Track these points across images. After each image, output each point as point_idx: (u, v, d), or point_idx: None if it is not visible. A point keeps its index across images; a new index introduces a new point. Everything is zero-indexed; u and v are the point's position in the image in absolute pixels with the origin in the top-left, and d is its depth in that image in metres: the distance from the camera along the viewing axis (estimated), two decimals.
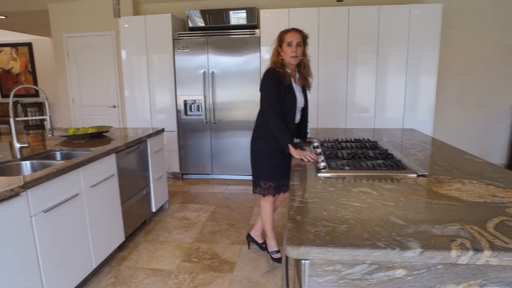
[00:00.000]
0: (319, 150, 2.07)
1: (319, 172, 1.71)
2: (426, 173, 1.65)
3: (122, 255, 2.74)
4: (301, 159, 1.99)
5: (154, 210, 3.32)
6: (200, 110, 4.41)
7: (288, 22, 3.97)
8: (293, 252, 1.01)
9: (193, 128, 4.45)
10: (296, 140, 2.45)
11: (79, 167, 2.17)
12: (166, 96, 4.44)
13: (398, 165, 1.74)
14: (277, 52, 2.26)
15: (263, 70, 2.37)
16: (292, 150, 2.09)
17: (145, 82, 4.44)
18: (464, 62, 4.34)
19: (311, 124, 4.11)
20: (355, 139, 2.40)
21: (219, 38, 4.22)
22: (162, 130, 3.45)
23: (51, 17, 4.87)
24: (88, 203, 2.28)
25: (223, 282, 2.34)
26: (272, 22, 4.03)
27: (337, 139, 2.43)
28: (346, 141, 2.35)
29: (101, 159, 2.43)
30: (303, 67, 2.32)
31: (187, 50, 4.27)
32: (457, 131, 4.44)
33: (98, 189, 2.40)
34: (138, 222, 3.08)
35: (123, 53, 4.42)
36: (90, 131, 3.03)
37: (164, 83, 4.40)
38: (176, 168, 4.60)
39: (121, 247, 2.84)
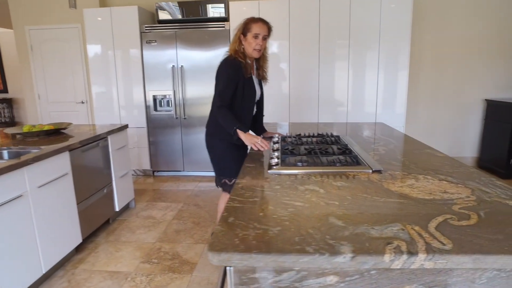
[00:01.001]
0: (276, 146, 1.98)
1: (270, 169, 1.61)
2: (381, 169, 1.57)
3: (80, 258, 2.60)
4: (252, 146, 1.93)
5: (117, 209, 3.19)
6: (170, 105, 4.28)
7: (258, 15, 3.85)
8: (213, 258, 0.91)
9: (163, 124, 4.31)
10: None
11: (22, 167, 2.02)
12: (134, 91, 4.28)
13: (353, 161, 1.66)
14: (239, 40, 2.12)
15: None
16: (241, 135, 1.99)
17: (112, 77, 4.27)
18: (436, 56, 4.32)
19: (282, 118, 4.02)
20: (318, 134, 2.32)
21: (187, 31, 4.08)
22: (126, 127, 3.31)
23: (11, 7, 4.63)
24: (35, 205, 2.13)
25: (181, 284, 2.24)
26: (242, 15, 3.90)
27: (299, 134, 2.34)
28: (308, 136, 2.27)
29: (51, 158, 2.28)
30: (262, 60, 2.21)
31: (155, 43, 4.12)
32: (430, 125, 4.42)
33: (48, 189, 2.25)
34: (99, 222, 2.94)
35: (89, 47, 4.23)
36: (46, 128, 2.86)
37: (133, 78, 4.24)
38: (147, 165, 4.46)
39: (79, 249, 2.70)
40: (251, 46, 2.08)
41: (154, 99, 4.29)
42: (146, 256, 2.60)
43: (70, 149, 2.48)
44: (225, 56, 2.15)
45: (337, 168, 1.58)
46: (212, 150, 2.27)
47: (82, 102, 4.82)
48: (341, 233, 0.98)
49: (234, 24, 3.86)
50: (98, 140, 2.88)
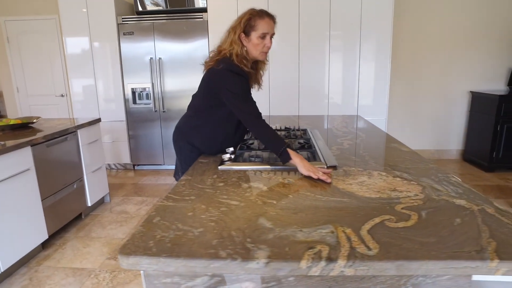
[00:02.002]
0: None
1: (220, 165, 1.54)
2: (336, 165, 1.49)
3: (46, 254, 2.54)
4: (312, 175, 1.35)
5: (89, 204, 3.12)
6: (149, 98, 4.18)
7: (236, 5, 3.74)
8: (123, 262, 0.85)
9: (142, 117, 4.22)
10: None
11: None
12: (113, 84, 4.18)
13: (310, 156, 1.58)
14: (240, 42, 1.60)
15: None
16: (296, 158, 1.41)
17: (90, 69, 4.16)
18: (420, 47, 4.21)
19: (262, 111, 3.94)
20: (286, 128, 2.24)
21: (165, 22, 3.97)
22: (98, 120, 3.22)
23: None
24: None
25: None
26: (220, 5, 3.80)
27: None
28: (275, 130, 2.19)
29: (11, 153, 2.20)
30: (262, 63, 1.80)
31: (133, 35, 4.01)
32: (414, 118, 4.34)
33: (8, 185, 2.17)
34: (69, 218, 2.87)
35: (66, 39, 4.12)
36: (12, 122, 2.78)
37: (111, 71, 4.14)
38: (127, 159, 4.38)
39: (46, 245, 2.64)
40: (257, 49, 1.62)
41: (133, 92, 4.19)
42: (113, 252, 2.54)
43: (33, 144, 2.40)
44: (226, 62, 1.60)
45: (291, 164, 1.50)
46: (180, 149, 1.87)
47: (62, 96, 4.72)
48: (265, 236, 0.91)
49: (212, 14, 3.77)
50: (66, 135, 2.80)
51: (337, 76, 3.81)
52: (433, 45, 4.18)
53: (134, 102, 4.22)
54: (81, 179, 3.00)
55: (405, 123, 4.35)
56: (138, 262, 0.84)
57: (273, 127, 2.25)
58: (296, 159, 1.40)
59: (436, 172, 1.38)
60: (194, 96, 1.83)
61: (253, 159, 1.56)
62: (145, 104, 4.21)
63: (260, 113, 1.62)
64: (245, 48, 1.63)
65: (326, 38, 3.77)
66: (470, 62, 4.13)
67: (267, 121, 1.61)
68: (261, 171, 1.46)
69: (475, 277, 0.81)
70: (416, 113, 4.32)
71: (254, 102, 1.71)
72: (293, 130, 2.15)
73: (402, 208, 1.05)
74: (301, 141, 1.83)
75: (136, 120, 4.24)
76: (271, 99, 3.92)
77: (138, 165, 4.45)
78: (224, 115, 1.69)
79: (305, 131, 2.14)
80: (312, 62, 3.81)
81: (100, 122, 3.31)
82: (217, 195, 1.21)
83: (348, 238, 0.88)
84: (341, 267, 0.79)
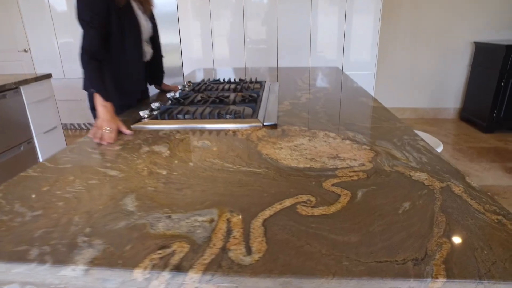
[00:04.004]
0: (171, 94, 1.56)
1: (135, 123, 1.22)
2: (276, 123, 1.16)
3: None
4: (91, 134, 1.14)
5: None
6: None
7: None
8: None
9: None
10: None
11: None
12: (75, 39, 3.76)
13: (248, 113, 1.25)
14: None
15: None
16: (99, 103, 1.21)
17: (49, 23, 3.73)
18: None
19: (238, 63, 3.54)
20: (240, 80, 1.88)
21: None
22: (48, 76, 2.86)
23: None
24: None
25: None
26: None
27: (218, 80, 1.91)
28: (224, 82, 1.84)
29: None
30: None
31: None
32: (408, 72, 3.90)
33: None
34: None
35: None
36: None
37: (72, 25, 3.70)
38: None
39: None
40: None
41: None
42: None
43: None
44: None
45: (219, 122, 1.18)
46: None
47: (25, 51, 4.31)
48: (114, 224, 0.61)
49: None
50: (4, 92, 2.46)
51: (319, 26, 3.35)
52: None
53: None
54: (30, 141, 2.71)
55: (397, 78, 3.93)
56: None
57: (224, 79, 1.89)
58: (99, 108, 1.21)
59: (401, 134, 1.05)
60: None
61: (181, 116, 1.23)
62: None
63: (98, 51, 1.34)
64: None
65: None
66: (474, 8, 3.61)
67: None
68: (178, 131, 1.14)
69: None
70: (411, 68, 3.88)
71: (126, 27, 1.41)
72: (246, 82, 1.79)
73: (332, 185, 0.73)
74: (244, 94, 1.49)
75: None
76: (247, 52, 3.50)
77: None
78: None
79: (261, 83, 1.78)
80: (292, 12, 3.33)
81: (64, 80, 2.95)
82: (100, 163, 0.90)
83: (228, 232, 0.58)
84: (194, 281, 0.49)
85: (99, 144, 1.05)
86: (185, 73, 2.78)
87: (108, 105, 1.22)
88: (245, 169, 0.82)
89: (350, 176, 0.77)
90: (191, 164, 0.87)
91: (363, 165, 0.83)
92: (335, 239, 0.55)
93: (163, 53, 1.82)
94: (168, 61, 3.80)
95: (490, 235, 0.55)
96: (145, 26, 1.55)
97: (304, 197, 0.68)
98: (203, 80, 1.92)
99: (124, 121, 1.29)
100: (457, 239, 0.54)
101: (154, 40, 1.67)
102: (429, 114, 4.03)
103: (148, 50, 1.61)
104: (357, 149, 0.93)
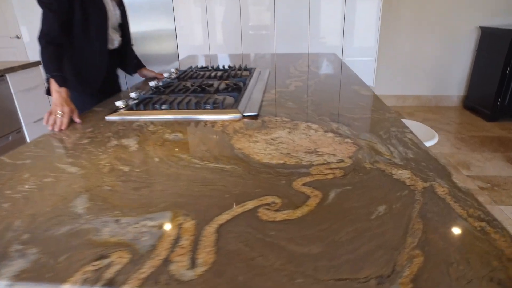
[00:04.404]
0: (154, 83, 1.48)
1: (110, 114, 1.16)
2: (256, 113, 1.09)
3: None
4: (44, 117, 1.10)
5: None
6: None
7: None
8: None
9: None
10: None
11: None
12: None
13: (229, 102, 1.18)
14: None
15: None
16: (53, 89, 1.17)
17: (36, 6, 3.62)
18: None
19: (235, 49, 3.44)
20: (229, 67, 1.80)
21: None
22: (37, 64, 2.79)
23: None
24: None
25: None
26: None
27: (206, 67, 1.83)
28: (211, 70, 1.76)
29: None
30: None
31: None
32: (411, 59, 3.78)
33: None
34: None
35: None
36: None
37: None
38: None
39: None
40: None
41: None
42: None
43: None
44: None
45: (197, 112, 1.11)
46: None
47: (18, 37, 4.24)
48: (56, 229, 0.56)
49: None
50: None
51: (320, 11, 3.23)
52: None
53: None
54: (19, 130, 2.66)
55: (399, 65, 3.81)
56: None
57: (212, 66, 1.81)
58: (53, 94, 1.17)
59: (389, 125, 0.98)
60: None
61: (157, 106, 1.16)
62: None
63: (58, 36, 1.28)
64: None
65: None
66: None
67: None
68: (152, 122, 1.08)
69: None
70: (413, 54, 3.75)
71: (91, 13, 1.35)
72: (234, 69, 1.71)
73: (304, 184, 0.66)
74: (228, 82, 1.41)
75: None
76: (244, 38, 3.39)
77: None
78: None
79: (250, 70, 1.70)
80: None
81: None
82: (62, 158, 0.84)
83: (176, 240, 0.52)
84: None
85: (61, 137, 0.99)
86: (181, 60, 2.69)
87: (63, 90, 1.18)
88: (212, 166, 0.76)
89: (325, 174, 0.70)
90: (156, 159, 0.81)
91: (342, 161, 0.76)
92: (293, 250, 0.48)
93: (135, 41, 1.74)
94: (163, 47, 3.72)
95: (470, 246, 0.48)
96: (112, 12, 1.48)
97: (269, 199, 0.62)
98: (191, 67, 1.85)
99: (99, 112, 1.23)
100: (431, 252, 0.47)
101: (123, 27, 1.59)
102: (432, 102, 3.92)
103: (116, 38, 1.54)
104: (338, 143, 0.86)
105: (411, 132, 0.93)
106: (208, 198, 0.63)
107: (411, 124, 1.50)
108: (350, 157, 0.77)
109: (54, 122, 1.07)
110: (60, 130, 1.06)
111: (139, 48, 3.66)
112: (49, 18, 1.27)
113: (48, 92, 1.22)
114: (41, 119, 2.85)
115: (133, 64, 1.73)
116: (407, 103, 3.97)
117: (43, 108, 2.90)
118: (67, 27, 1.34)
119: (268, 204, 0.60)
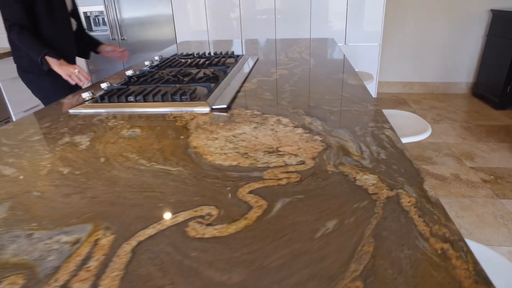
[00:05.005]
0: (130, 72, 1.41)
1: (74, 107, 1.09)
2: (225, 106, 1.01)
3: None
4: (68, 79, 1.39)
5: None
6: (106, 25, 3.61)
7: None
8: None
9: None
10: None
11: None
12: None
13: (201, 94, 1.10)
14: None
15: None
16: (53, 64, 1.37)
17: None
18: None
19: (232, 35, 3.32)
20: (215, 53, 1.71)
21: None
22: None
23: None
24: None
25: None
26: None
27: (191, 54, 1.74)
28: (195, 57, 1.67)
29: None
30: None
31: None
32: (419, 44, 3.60)
33: None
34: None
35: None
36: None
37: None
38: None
39: None
40: None
41: (87, 17, 3.62)
42: None
43: None
44: None
45: (164, 105, 1.03)
46: (36, 90, 1.61)
47: None
48: None
49: None
50: None
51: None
52: None
53: (90, 29, 3.67)
54: (7, 120, 2.63)
55: (405, 50, 3.64)
56: None
57: (198, 53, 1.72)
58: (55, 67, 1.38)
59: (368, 120, 0.88)
60: None
61: (124, 98, 1.09)
62: (102, 31, 3.65)
63: (27, 22, 1.35)
64: None
65: None
66: None
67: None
68: (116, 116, 1.00)
69: None
70: (420, 39, 3.57)
71: (25, 5, 1.35)
72: (218, 56, 1.62)
73: (250, 192, 0.58)
74: (206, 71, 1.32)
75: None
76: (243, 22, 3.27)
77: None
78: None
79: (236, 57, 1.61)
80: None
81: None
82: (4, 157, 0.78)
83: (84, 261, 0.44)
84: None
85: (13, 132, 0.93)
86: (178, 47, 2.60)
87: (61, 60, 1.37)
88: (158, 168, 0.68)
89: (279, 180, 0.62)
90: (102, 160, 0.73)
91: (303, 163, 0.67)
92: (211, 277, 0.41)
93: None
94: (161, 33, 3.62)
95: (423, 278, 0.40)
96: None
97: (206, 210, 0.54)
98: (176, 54, 1.76)
99: (65, 104, 1.16)
100: (374, 284, 0.39)
101: (74, 12, 1.64)
102: (439, 89, 3.75)
103: (73, 21, 1.59)
104: (305, 141, 0.77)
105: (390, 127, 0.83)
106: (139, 208, 0.56)
107: (403, 115, 1.40)
108: (313, 158, 0.69)
109: (79, 80, 1.37)
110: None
111: (135, 35, 3.57)
112: (13, 8, 1.31)
113: (47, 71, 1.39)
114: (32, 108, 2.81)
115: (92, 44, 1.78)
116: (413, 90, 3.81)
117: (33, 97, 2.85)
118: (32, 13, 1.37)
119: (202, 217, 0.52)
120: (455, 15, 3.44)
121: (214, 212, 0.53)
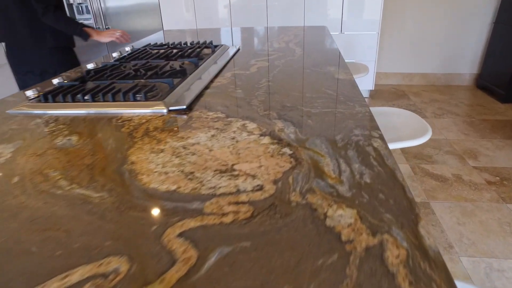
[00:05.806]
0: (91, 65, 1.25)
1: (13, 108, 0.93)
2: (184, 107, 0.85)
3: None
4: (114, 39, 1.69)
5: None
6: (89, 13, 3.43)
7: None
8: None
9: None
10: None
11: None
12: None
13: (161, 92, 0.94)
14: None
15: None
16: (93, 32, 1.63)
17: None
18: None
19: (223, 23, 3.14)
20: (191, 43, 1.54)
21: None
22: None
23: None
24: None
25: None
26: None
27: (167, 44, 1.57)
28: (168, 47, 1.50)
29: None
30: None
31: None
32: (421, 33, 3.40)
33: None
34: None
35: None
36: None
37: None
38: None
39: None
40: None
41: (70, 5, 3.43)
42: None
43: None
44: None
45: (115, 105, 0.87)
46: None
47: None
48: None
49: None
50: None
51: None
52: None
53: (75, 18, 3.49)
54: None
55: (405, 39, 3.44)
56: None
57: (174, 43, 1.56)
58: (94, 34, 1.64)
59: (354, 126, 0.72)
60: None
61: (69, 98, 0.93)
62: (86, 19, 3.46)
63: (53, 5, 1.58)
64: None
65: None
66: None
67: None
68: (59, 118, 0.85)
69: None
70: (421, 27, 3.38)
71: None
72: (193, 47, 1.45)
73: (180, 234, 0.43)
74: (173, 65, 1.16)
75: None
76: (233, 9, 3.08)
77: None
78: None
79: (213, 48, 1.44)
80: None
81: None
82: None
83: None
84: None
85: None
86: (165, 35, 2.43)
87: (96, 29, 1.66)
88: (77, 192, 0.53)
89: (223, 215, 0.46)
90: (15, 179, 0.58)
91: (260, 188, 0.52)
92: None
93: None
94: (147, 23, 3.43)
95: None
96: None
97: (114, 263, 0.39)
98: (149, 45, 1.59)
99: (8, 102, 1.01)
100: None
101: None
102: (441, 81, 3.57)
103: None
104: (270, 155, 0.61)
105: (380, 136, 0.67)
106: (28, 257, 0.40)
107: (400, 113, 1.24)
108: (275, 182, 0.53)
109: (124, 39, 1.69)
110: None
111: (120, 24, 3.39)
112: None
113: (86, 38, 1.64)
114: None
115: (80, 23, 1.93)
116: (414, 82, 3.63)
117: (8, 89, 2.70)
118: None
119: (104, 275, 0.37)
120: (460, 1, 3.24)
121: (124, 267, 0.38)
